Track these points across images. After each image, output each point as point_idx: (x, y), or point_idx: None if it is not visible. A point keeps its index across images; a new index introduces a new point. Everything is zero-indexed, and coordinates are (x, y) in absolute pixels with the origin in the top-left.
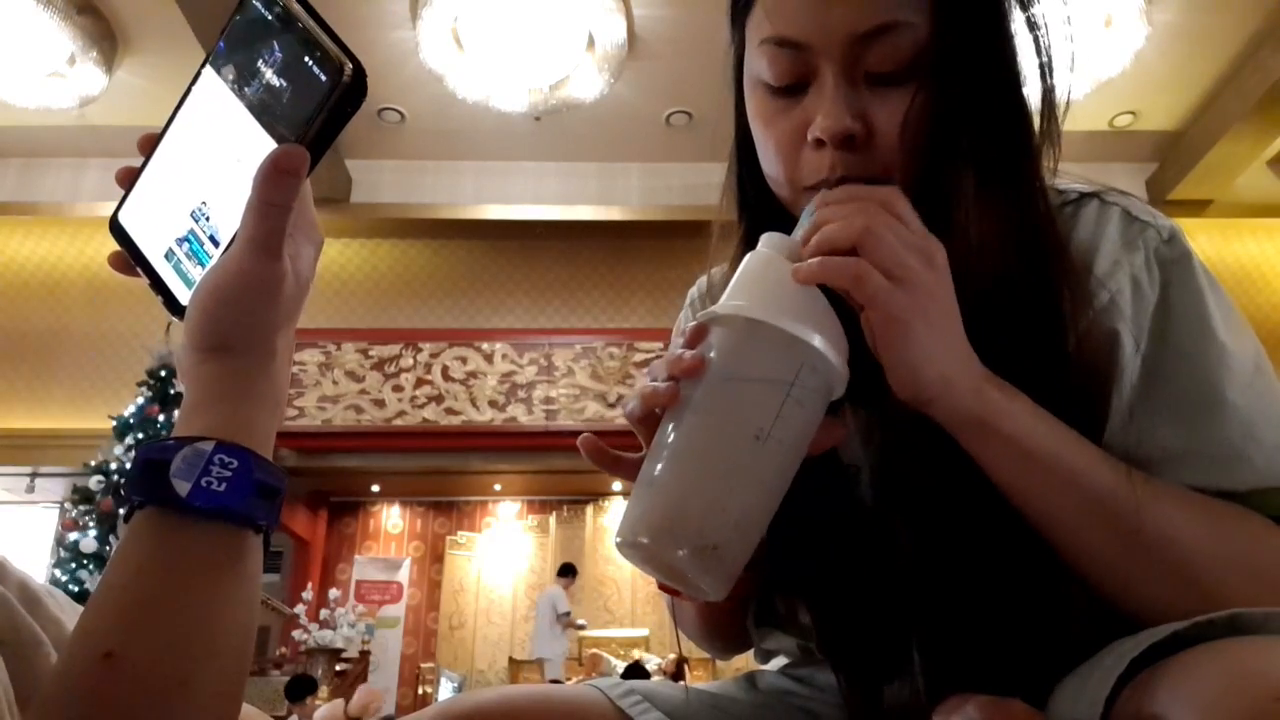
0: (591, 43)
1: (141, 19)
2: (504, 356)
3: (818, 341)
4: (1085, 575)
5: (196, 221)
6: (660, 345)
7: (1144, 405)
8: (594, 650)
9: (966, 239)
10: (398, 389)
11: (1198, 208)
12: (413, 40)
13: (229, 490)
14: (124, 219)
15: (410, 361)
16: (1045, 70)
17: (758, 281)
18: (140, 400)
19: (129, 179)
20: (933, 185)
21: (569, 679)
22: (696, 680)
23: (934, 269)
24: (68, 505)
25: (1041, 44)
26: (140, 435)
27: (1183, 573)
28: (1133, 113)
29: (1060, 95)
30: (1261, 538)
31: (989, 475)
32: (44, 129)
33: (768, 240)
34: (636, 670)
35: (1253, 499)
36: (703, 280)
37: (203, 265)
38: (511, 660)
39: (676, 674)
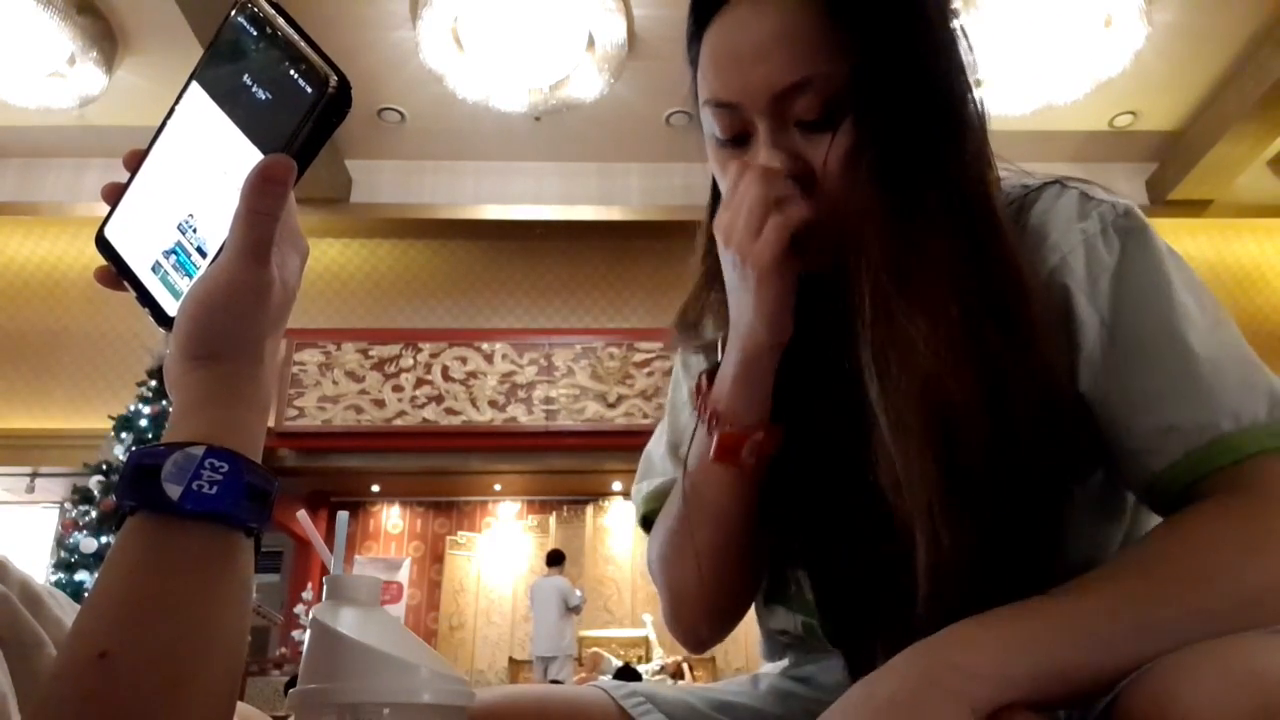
0: (591, 43)
1: (141, 19)
2: (504, 356)
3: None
4: None
5: (184, 234)
6: (660, 345)
7: (1112, 356)
8: (594, 649)
9: (892, 278)
10: (398, 389)
11: (1198, 208)
12: (413, 40)
13: (220, 493)
14: (110, 234)
15: (410, 361)
16: (976, 106)
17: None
18: (140, 400)
19: (114, 195)
20: (891, 219)
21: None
22: (698, 681)
23: None
24: (68, 505)
25: (970, 85)
26: (140, 435)
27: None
28: (1133, 113)
29: (978, 122)
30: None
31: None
32: (44, 129)
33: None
34: (627, 673)
35: (1231, 440)
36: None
37: (190, 277)
38: (511, 660)
39: (677, 674)
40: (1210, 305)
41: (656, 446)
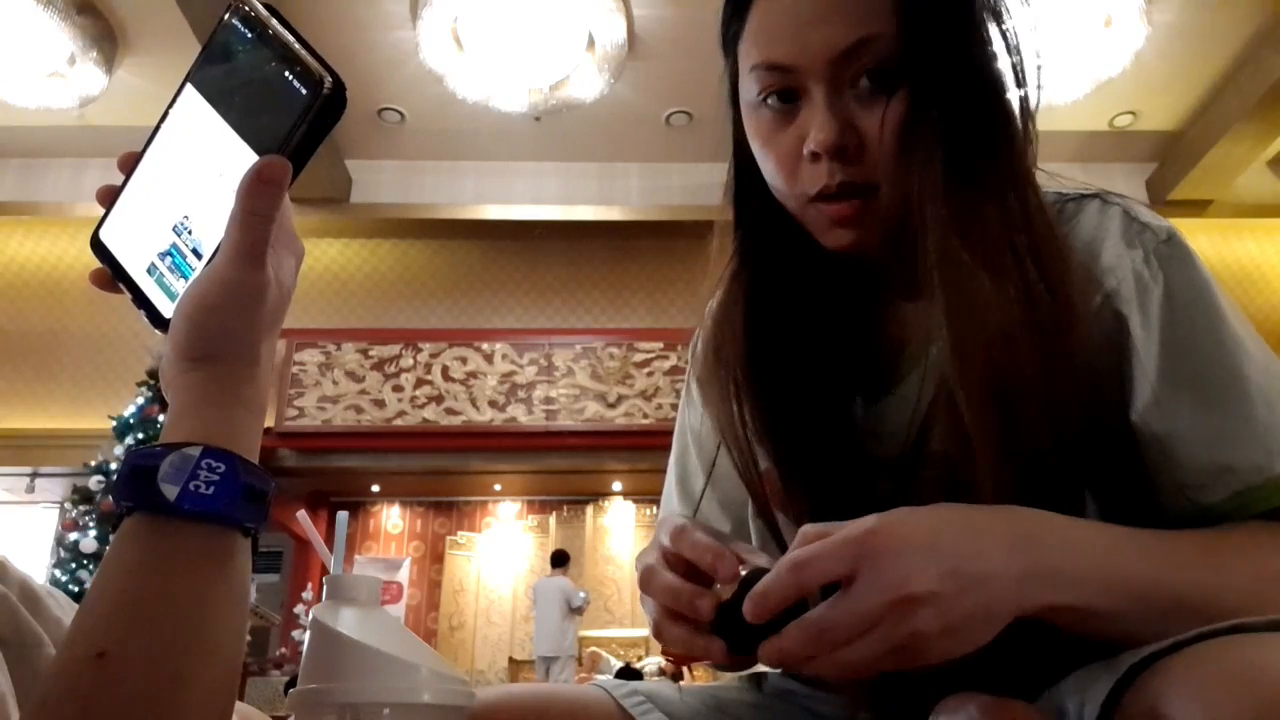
0: (591, 43)
1: (141, 19)
2: (504, 356)
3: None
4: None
5: (179, 235)
6: (660, 345)
7: (1167, 390)
8: (593, 649)
9: (958, 236)
10: (398, 389)
11: (1198, 208)
12: (413, 40)
13: (216, 494)
14: (105, 236)
15: (410, 361)
16: (1019, 78)
17: None
18: (140, 400)
19: (109, 197)
20: (932, 191)
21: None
22: (699, 680)
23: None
24: (68, 505)
25: (1013, 51)
26: (140, 435)
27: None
28: (1133, 113)
29: (1033, 103)
30: None
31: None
32: (44, 129)
33: None
34: (629, 673)
35: None
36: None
37: (185, 278)
38: (511, 660)
39: (676, 674)
40: (1258, 337)
41: (670, 484)
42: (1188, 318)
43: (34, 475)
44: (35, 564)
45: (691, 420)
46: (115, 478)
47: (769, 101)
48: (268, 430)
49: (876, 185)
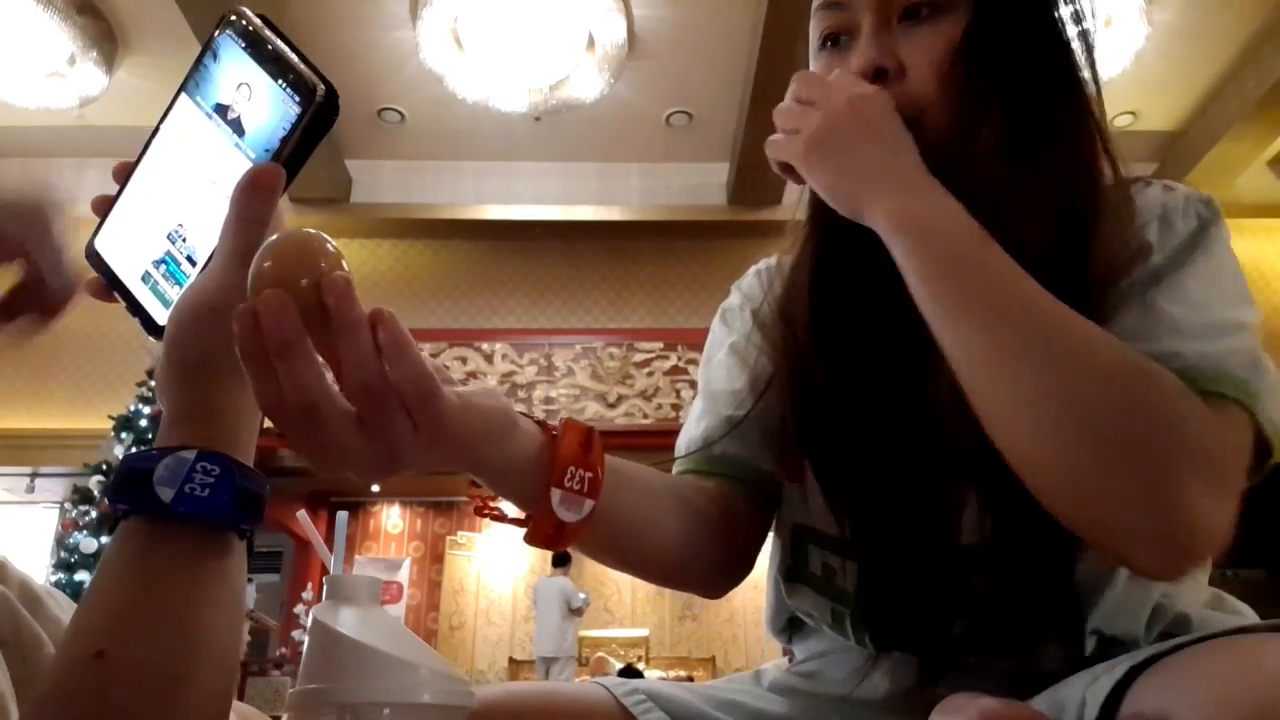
0: (591, 43)
1: (141, 19)
2: (504, 356)
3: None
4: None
5: (173, 243)
6: (660, 345)
7: (1151, 300)
8: (599, 654)
9: (997, 183)
10: None
11: None
12: (413, 40)
13: (212, 496)
14: (100, 245)
15: None
16: (1084, 34)
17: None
18: (140, 400)
19: (104, 207)
20: (974, 126)
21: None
22: (700, 680)
23: (825, 111)
24: (68, 505)
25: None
26: (140, 435)
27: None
28: (1133, 113)
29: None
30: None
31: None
32: (44, 129)
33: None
34: (630, 673)
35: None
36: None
37: (180, 285)
38: (512, 660)
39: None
40: (1249, 294)
41: (702, 407)
42: (1196, 264)
43: (34, 475)
44: (35, 564)
45: (736, 340)
46: (111, 481)
47: (826, 44)
48: (268, 430)
49: (915, 112)
